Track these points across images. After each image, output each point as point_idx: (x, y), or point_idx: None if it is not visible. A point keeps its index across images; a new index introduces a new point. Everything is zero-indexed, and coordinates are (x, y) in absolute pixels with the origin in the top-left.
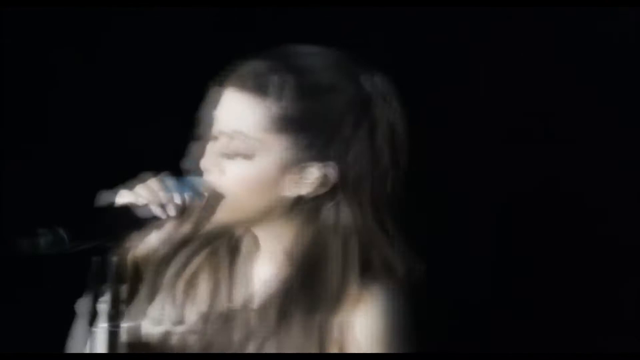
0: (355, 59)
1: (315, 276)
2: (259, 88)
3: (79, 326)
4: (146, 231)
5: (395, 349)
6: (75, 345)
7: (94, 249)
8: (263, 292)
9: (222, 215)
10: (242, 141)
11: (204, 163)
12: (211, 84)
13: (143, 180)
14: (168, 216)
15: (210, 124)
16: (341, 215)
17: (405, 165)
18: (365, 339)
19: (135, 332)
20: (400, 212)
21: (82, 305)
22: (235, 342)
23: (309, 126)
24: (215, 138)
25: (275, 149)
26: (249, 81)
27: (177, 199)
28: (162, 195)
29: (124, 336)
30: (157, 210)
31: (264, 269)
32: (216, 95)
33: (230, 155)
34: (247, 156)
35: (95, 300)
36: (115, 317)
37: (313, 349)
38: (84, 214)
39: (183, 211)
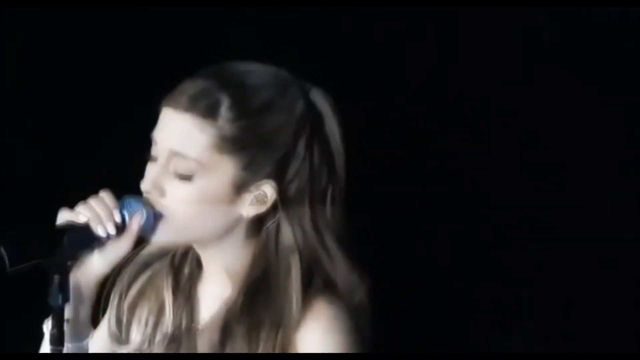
0: (292, 74)
1: (259, 295)
2: (196, 108)
3: (43, 346)
4: (88, 250)
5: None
6: None
7: (51, 268)
8: (207, 311)
9: (163, 235)
10: (182, 162)
11: (144, 184)
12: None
13: (98, 197)
14: (109, 235)
15: (151, 145)
16: (282, 233)
17: (344, 181)
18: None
19: (80, 352)
20: (340, 228)
21: (45, 327)
22: None
23: (247, 145)
24: (155, 159)
25: (216, 170)
26: (186, 101)
27: (117, 218)
28: (103, 214)
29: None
30: (97, 229)
31: (207, 288)
32: (159, 116)
33: (170, 177)
34: (186, 177)
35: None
36: (57, 338)
37: None
38: (24, 233)
39: (123, 230)
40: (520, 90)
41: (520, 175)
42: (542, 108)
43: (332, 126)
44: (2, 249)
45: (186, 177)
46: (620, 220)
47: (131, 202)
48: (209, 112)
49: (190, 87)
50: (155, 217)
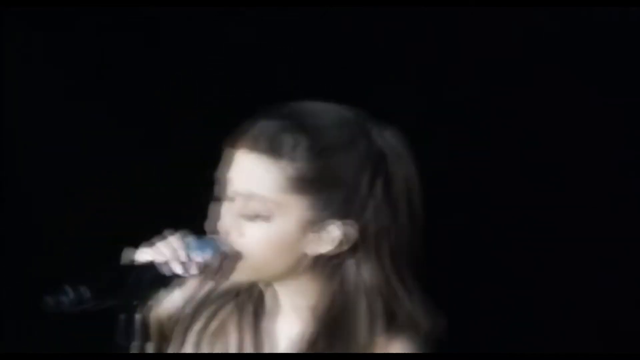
0: (366, 115)
1: (338, 332)
2: (272, 149)
3: None
4: (168, 289)
5: None
6: None
7: (118, 307)
8: (287, 348)
9: (243, 275)
10: (259, 203)
11: (222, 225)
12: (225, 143)
13: (164, 238)
14: (189, 274)
15: (225, 185)
16: (362, 271)
17: (422, 218)
18: None
19: None
20: (419, 266)
21: None
22: None
23: (325, 185)
24: (232, 199)
25: (292, 210)
26: (262, 142)
27: (198, 258)
28: (183, 254)
29: None
30: (177, 268)
31: (287, 325)
32: (229, 156)
33: (248, 217)
34: (265, 218)
35: None
36: None
37: None
38: (105, 272)
39: (204, 270)
40: (520, 90)
41: (520, 175)
42: (542, 108)
43: (405, 164)
44: (69, 289)
45: (265, 218)
46: (620, 220)
47: (207, 241)
48: (286, 153)
49: (266, 127)
50: (231, 257)
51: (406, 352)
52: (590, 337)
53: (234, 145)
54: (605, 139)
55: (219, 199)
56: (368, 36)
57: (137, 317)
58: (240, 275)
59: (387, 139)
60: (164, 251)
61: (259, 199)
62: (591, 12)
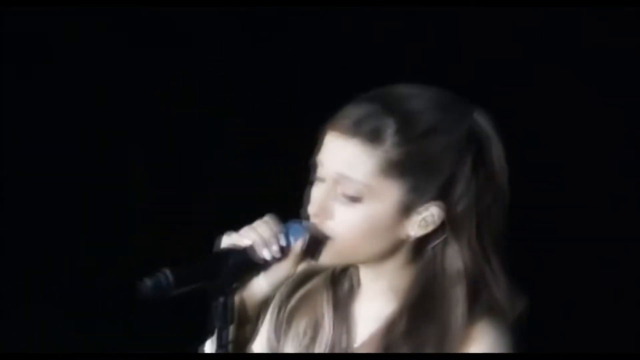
0: (455, 96)
1: (422, 315)
2: (363, 133)
3: None
4: (252, 273)
5: None
6: None
7: (213, 291)
8: (365, 329)
9: (333, 258)
10: (351, 186)
11: (312, 207)
12: (322, 128)
13: (257, 224)
14: (273, 258)
15: (317, 168)
16: (448, 253)
17: (509, 201)
18: None
19: None
20: (505, 248)
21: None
22: None
23: (415, 168)
24: (322, 182)
25: (386, 194)
26: (354, 126)
27: (282, 241)
28: (268, 237)
29: None
30: (262, 252)
31: (365, 306)
32: (325, 140)
33: (339, 200)
34: (355, 200)
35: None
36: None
37: None
38: (202, 256)
39: (288, 253)
40: (520, 90)
41: (520, 175)
42: (542, 108)
43: (496, 146)
44: (169, 272)
45: (355, 200)
46: (620, 220)
47: (295, 225)
48: (375, 137)
49: (356, 111)
50: (319, 240)
51: (489, 334)
52: (590, 337)
53: (330, 129)
54: (605, 138)
55: (313, 183)
56: (368, 36)
57: (219, 301)
58: (330, 258)
59: (482, 122)
60: (249, 235)
61: (351, 181)
62: (591, 12)
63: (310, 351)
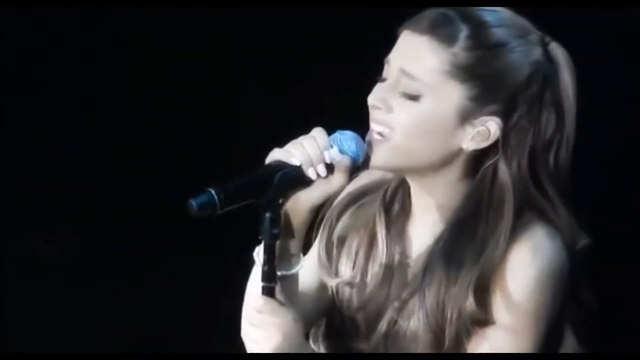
0: (534, 25)
1: (465, 233)
2: (437, 33)
3: (254, 273)
4: (299, 188)
5: (545, 299)
6: (250, 290)
7: (262, 206)
8: (418, 246)
9: (382, 157)
10: (410, 83)
11: (372, 98)
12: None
13: (308, 137)
14: (318, 174)
15: (384, 68)
16: (499, 173)
17: (573, 136)
18: (517, 287)
19: (291, 283)
20: (564, 181)
21: (256, 254)
22: (392, 296)
23: (478, 76)
24: (385, 79)
25: (442, 94)
26: (429, 26)
27: (328, 159)
28: (314, 155)
29: (279, 289)
30: (308, 171)
31: (418, 224)
32: (398, 39)
33: (400, 94)
34: (414, 97)
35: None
36: (269, 275)
37: (463, 300)
38: (250, 171)
39: (333, 169)
40: None
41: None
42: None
43: (567, 80)
44: (215, 190)
45: (413, 97)
46: (620, 220)
47: (343, 136)
48: (447, 38)
49: (433, 14)
50: (368, 148)
51: (537, 232)
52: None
53: (405, 28)
54: (605, 138)
55: (381, 80)
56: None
57: (266, 216)
58: (384, 159)
59: (557, 52)
60: (294, 151)
61: (412, 78)
62: (591, 12)
63: (365, 271)
